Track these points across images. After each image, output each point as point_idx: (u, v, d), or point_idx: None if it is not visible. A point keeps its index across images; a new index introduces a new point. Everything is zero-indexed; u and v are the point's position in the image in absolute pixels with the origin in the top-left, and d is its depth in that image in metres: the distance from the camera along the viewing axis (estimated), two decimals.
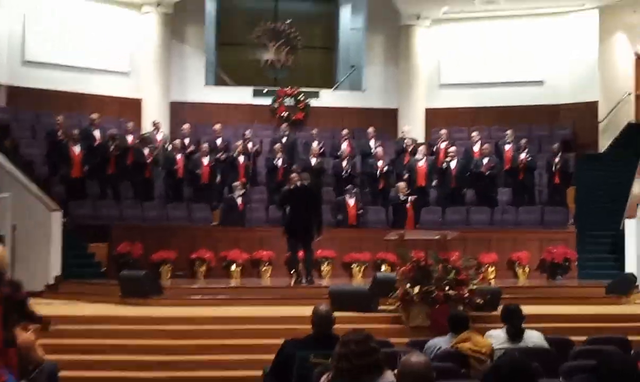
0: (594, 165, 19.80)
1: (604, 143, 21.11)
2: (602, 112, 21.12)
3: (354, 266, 15.77)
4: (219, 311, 11.19)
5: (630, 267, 14.95)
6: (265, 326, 10.43)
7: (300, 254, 13.42)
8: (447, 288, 10.35)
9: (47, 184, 16.31)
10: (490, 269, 15.38)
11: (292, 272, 14.90)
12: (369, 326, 10.73)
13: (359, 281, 15.30)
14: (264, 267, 15.47)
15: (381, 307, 11.15)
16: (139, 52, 20.84)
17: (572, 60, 21.25)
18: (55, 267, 14.02)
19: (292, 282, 13.38)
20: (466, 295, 10.38)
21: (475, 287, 10.55)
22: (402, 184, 16.74)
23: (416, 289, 10.35)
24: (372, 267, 15.84)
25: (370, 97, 22.60)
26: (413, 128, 20.67)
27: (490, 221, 17.45)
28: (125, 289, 12.14)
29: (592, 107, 21.05)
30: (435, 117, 21.84)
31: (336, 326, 10.57)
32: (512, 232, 16.55)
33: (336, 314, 10.81)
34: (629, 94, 22.17)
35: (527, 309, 11.64)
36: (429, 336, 10.39)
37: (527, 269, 15.62)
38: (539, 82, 21.53)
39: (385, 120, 21.62)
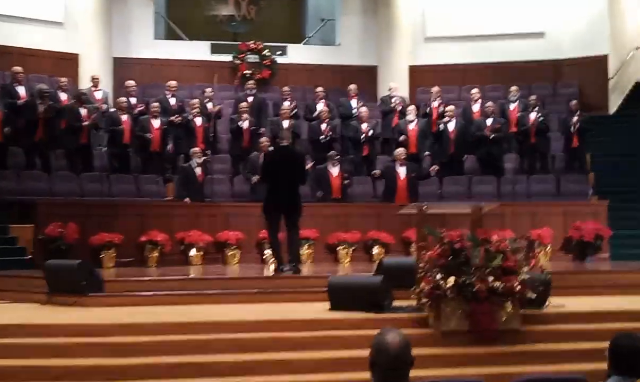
0: (605, 128, 17.22)
1: (613, 103, 18.65)
2: (612, 68, 18.63)
3: (340, 248, 13.12)
4: (179, 313, 8.39)
5: None
6: (244, 334, 7.66)
7: (283, 234, 10.77)
8: (491, 279, 7.70)
9: None
10: None
11: (264, 257, 12.46)
12: None
13: (346, 266, 12.68)
14: (231, 251, 12.76)
15: (396, 303, 8.52)
16: None
17: (577, 8, 18.78)
18: None
19: (272, 270, 10.68)
20: (518, 288, 7.75)
21: (527, 277, 7.91)
22: (400, 150, 14.18)
23: (450, 281, 7.69)
24: (362, 248, 13.32)
25: (345, 53, 20.01)
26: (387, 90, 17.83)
27: (497, 193, 14.94)
28: (54, 284, 9.30)
29: (601, 62, 18.62)
30: (420, 75, 19.39)
31: (339, 332, 7.98)
32: (530, 205, 14.00)
33: (337, 315, 8.25)
34: (638, 49, 19.73)
35: (573, 302, 9.24)
36: (466, 344, 7.89)
37: (548, 250, 13.04)
38: (539, 34, 19.21)
39: (363, 78, 18.99)
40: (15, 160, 13.83)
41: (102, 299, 9.07)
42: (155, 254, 12.27)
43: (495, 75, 18.93)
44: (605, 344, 4.45)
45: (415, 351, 7.62)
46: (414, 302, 8.39)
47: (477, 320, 7.70)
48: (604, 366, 4.45)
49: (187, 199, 13.33)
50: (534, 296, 7.99)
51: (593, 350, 7.62)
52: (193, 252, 12.47)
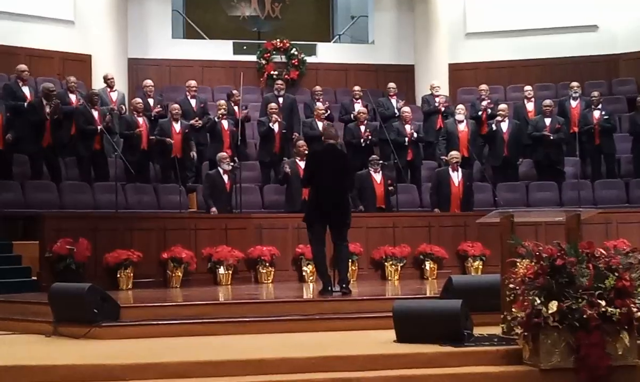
0: None
1: None
2: None
3: (387, 263, 11.60)
4: (211, 347, 6.92)
5: None
6: (296, 375, 6.14)
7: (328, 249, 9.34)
8: (603, 303, 6.17)
9: None
10: None
11: (303, 275, 11.06)
12: (465, 370, 6.59)
13: (396, 285, 11.18)
14: (264, 269, 11.28)
15: (476, 332, 7.02)
16: None
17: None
18: None
19: (315, 292, 9.17)
20: (638, 314, 6.22)
21: None
22: (455, 153, 12.74)
23: (553, 306, 6.16)
24: (412, 264, 11.85)
25: (379, 51, 18.54)
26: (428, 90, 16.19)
27: (559, 200, 13.43)
28: (61, 312, 7.87)
29: None
30: (461, 74, 17.93)
31: (415, 371, 6.44)
32: (603, 213, 12.37)
33: (408, 349, 6.69)
34: None
35: None
36: None
37: None
38: (592, 27, 17.59)
39: (400, 78, 17.47)
40: (20, 170, 12.40)
41: (117, 330, 7.61)
42: (179, 273, 10.82)
43: (544, 73, 17.49)
44: None
45: None
46: (498, 331, 6.93)
47: (586, 354, 6.15)
48: None
49: (213, 209, 11.89)
50: None
51: None
52: (222, 270, 11.02)
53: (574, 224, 7.15)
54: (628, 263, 6.48)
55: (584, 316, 6.11)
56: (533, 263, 6.41)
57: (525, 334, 6.30)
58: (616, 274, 6.26)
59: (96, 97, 13.28)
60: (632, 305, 6.20)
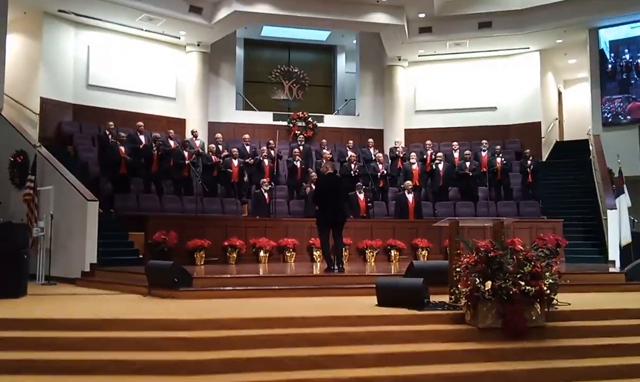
0: (541, 171, 14.61)
1: (544, 154, 16.12)
2: (543, 130, 16.12)
3: (367, 251, 10.60)
4: (254, 307, 5.96)
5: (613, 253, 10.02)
6: (311, 329, 5.18)
7: (331, 241, 8.32)
8: (523, 283, 5.21)
9: (97, 181, 11.10)
10: None
11: (314, 257, 10.02)
12: (425, 328, 5.65)
13: (373, 265, 10.17)
14: (289, 253, 10.28)
15: (432, 300, 6.01)
16: (183, 82, 15.67)
17: (519, 91, 16.31)
18: (91, 255, 8.65)
19: (322, 270, 8.14)
20: (547, 291, 5.25)
21: (552, 281, 5.39)
22: (408, 182, 11.77)
23: (488, 285, 5.20)
24: (383, 251, 10.82)
25: (362, 120, 17.48)
26: (393, 144, 15.26)
27: (474, 213, 12.40)
28: (153, 280, 6.92)
29: (536, 126, 16.04)
30: (412, 135, 16.83)
31: (391, 327, 5.43)
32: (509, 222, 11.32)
33: (386, 311, 5.63)
34: (556, 119, 17.34)
35: (571, 299, 6.53)
36: (501, 340, 5.39)
37: None
38: (493, 108, 16.56)
39: (374, 137, 16.38)
40: (135, 187, 11.47)
41: (190, 293, 6.66)
42: (234, 254, 9.86)
43: (463, 136, 16.42)
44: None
45: (456, 346, 5.14)
46: (447, 300, 5.96)
47: (510, 319, 5.21)
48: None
49: (257, 217, 10.87)
50: (556, 297, 5.54)
51: (616, 345, 5.11)
52: (262, 253, 10.04)
53: (499, 228, 6.19)
54: (539, 255, 5.54)
55: (510, 292, 5.18)
56: (473, 254, 5.47)
57: (468, 303, 5.35)
58: (532, 263, 5.34)
59: (187, 142, 12.35)
60: (543, 285, 5.27)
